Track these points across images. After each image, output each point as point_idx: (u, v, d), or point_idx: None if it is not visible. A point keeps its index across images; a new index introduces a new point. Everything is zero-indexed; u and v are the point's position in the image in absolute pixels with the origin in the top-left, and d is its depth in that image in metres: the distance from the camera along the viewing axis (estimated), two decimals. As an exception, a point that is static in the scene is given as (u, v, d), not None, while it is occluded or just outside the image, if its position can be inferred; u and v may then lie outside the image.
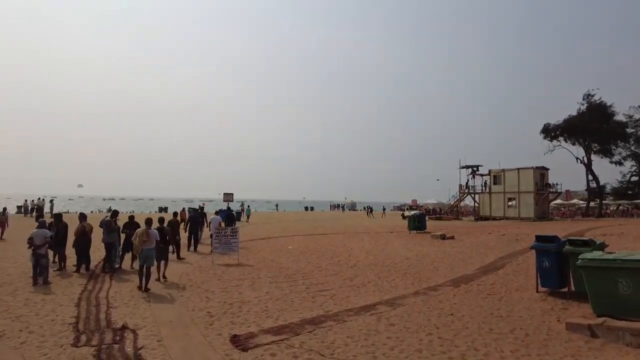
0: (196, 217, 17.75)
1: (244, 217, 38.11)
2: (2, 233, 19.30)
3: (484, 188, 43.53)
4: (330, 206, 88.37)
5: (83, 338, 6.34)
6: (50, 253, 11.37)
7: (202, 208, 22.84)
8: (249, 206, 43.10)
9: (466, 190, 46.19)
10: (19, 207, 37.13)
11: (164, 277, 10.72)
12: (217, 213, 19.15)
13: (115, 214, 12.17)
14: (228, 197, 37.02)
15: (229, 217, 20.11)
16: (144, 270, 9.58)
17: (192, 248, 16.32)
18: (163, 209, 56.98)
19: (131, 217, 12.77)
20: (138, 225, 11.88)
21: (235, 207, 41.12)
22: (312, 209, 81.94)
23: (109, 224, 12.20)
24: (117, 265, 11.93)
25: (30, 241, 10.13)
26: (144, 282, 9.48)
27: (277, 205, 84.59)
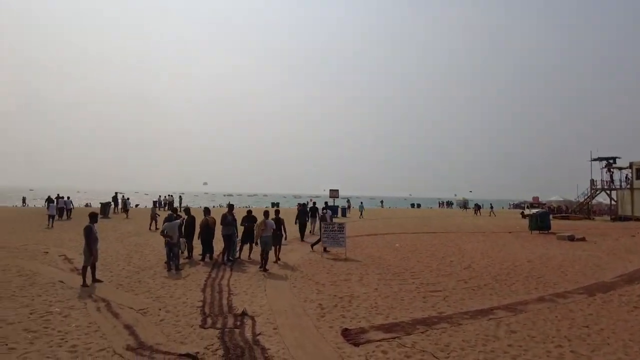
0: (303, 211, 19.72)
1: (349, 213, 38.60)
2: (155, 224, 22.24)
3: (624, 183, 37.71)
4: (439, 203, 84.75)
5: (209, 321, 6.97)
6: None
7: (314, 203, 23.78)
8: (362, 203, 43.34)
9: (601, 186, 40.50)
10: (154, 202, 42.98)
11: (279, 259, 12.84)
12: (325, 208, 20.12)
13: (231, 207, 13.12)
14: (334, 193, 37.80)
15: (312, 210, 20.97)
16: (264, 254, 11.60)
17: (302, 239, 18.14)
18: (275, 204, 60.57)
19: (249, 212, 13.66)
20: (255, 219, 12.83)
21: (341, 203, 41.86)
22: (419, 206, 79.64)
23: (225, 217, 12.93)
24: (236, 256, 12.89)
25: (163, 233, 11.53)
26: (264, 264, 11.50)
27: (382, 202, 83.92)
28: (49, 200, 30.40)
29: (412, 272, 11.38)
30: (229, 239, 12.60)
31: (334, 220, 19.90)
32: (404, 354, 5.61)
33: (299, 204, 24.40)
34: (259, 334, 6.36)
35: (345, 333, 6.45)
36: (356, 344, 5.98)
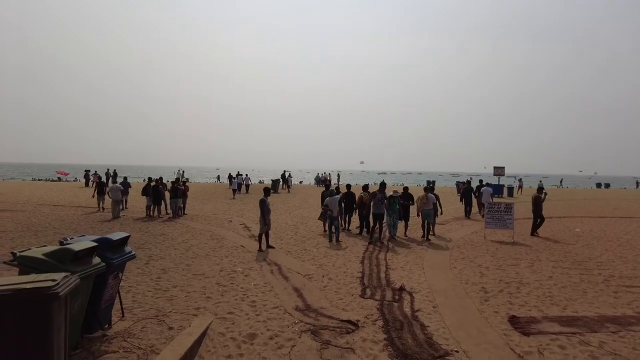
0: (468, 189, 19.46)
1: (519, 193, 35.03)
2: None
3: None
4: (638, 183, 69.73)
5: (368, 292, 7.19)
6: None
7: (469, 182, 22.32)
8: (541, 181, 38.94)
9: None
10: (316, 179, 46.99)
11: (434, 233, 13.19)
12: (486, 185, 18.94)
13: (382, 186, 13.05)
14: (499, 170, 34.58)
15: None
16: (426, 225, 12.76)
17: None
18: (430, 182, 59.01)
19: (405, 188, 13.89)
20: (411, 196, 12.91)
21: (504, 181, 38.17)
22: (607, 185, 67.25)
23: (374, 195, 12.71)
24: (393, 235, 12.76)
25: (325, 207, 12.33)
26: (426, 234, 12.68)
27: (561, 181, 73.43)
28: (230, 177, 35.92)
29: (599, 262, 9.69)
30: (379, 217, 12.38)
31: (496, 200, 18.40)
32: (589, 354, 4.83)
33: (458, 182, 23.21)
34: (418, 310, 6.28)
35: (513, 320, 5.88)
36: (526, 334, 5.40)
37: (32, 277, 3.56)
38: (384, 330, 5.47)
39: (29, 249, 4.38)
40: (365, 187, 14.27)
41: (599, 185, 68.45)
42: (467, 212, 18.72)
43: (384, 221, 12.67)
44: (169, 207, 17.72)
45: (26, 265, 4.10)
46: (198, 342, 4.75)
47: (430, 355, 4.78)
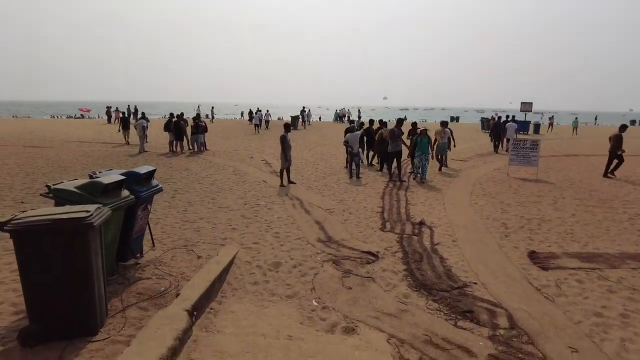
0: (498, 124, 20.21)
1: (550, 130, 33.94)
2: None
3: None
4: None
5: (388, 225, 7.32)
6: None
7: (499, 118, 22.01)
8: (576, 118, 37.42)
9: None
10: (335, 116, 46.72)
11: (446, 165, 13.88)
12: (513, 120, 18.77)
13: (399, 122, 12.56)
14: (526, 106, 33.26)
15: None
16: (440, 157, 13.48)
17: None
18: (454, 119, 57.68)
19: (414, 124, 13.40)
20: (424, 132, 12.38)
21: (535, 119, 36.90)
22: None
23: (392, 132, 12.06)
24: (423, 178, 11.73)
25: (346, 143, 12.27)
26: (440, 166, 13.36)
27: (596, 118, 70.26)
28: (250, 113, 35.85)
29: (625, 201, 9.53)
30: (396, 155, 11.73)
31: (521, 137, 17.96)
32: (607, 288, 4.90)
33: (483, 118, 22.64)
34: (437, 243, 6.40)
35: (533, 255, 5.95)
36: (544, 268, 5.48)
37: (67, 208, 3.72)
38: (404, 262, 5.63)
39: (62, 182, 4.54)
40: (385, 124, 14.06)
41: (633, 122, 65.52)
42: (496, 148, 19.28)
43: (402, 159, 12.27)
44: (190, 142, 17.93)
45: (60, 197, 4.27)
46: (226, 270, 5.00)
47: (448, 286, 4.93)
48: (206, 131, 18.24)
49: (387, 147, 12.89)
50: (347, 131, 13.96)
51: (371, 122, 14.93)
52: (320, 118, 55.15)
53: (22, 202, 8.57)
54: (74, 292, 3.42)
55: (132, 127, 20.22)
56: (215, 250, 5.78)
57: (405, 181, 11.51)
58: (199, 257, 5.50)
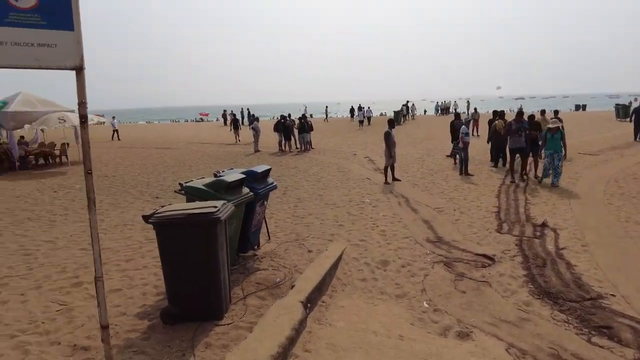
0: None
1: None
2: (477, 129, 21.48)
3: None
4: None
5: (505, 227, 6.79)
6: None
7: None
8: None
9: None
10: (436, 108, 44.87)
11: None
12: None
13: (519, 114, 11.12)
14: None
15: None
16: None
17: None
18: (581, 107, 51.34)
19: (531, 117, 11.15)
20: (556, 128, 10.75)
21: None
22: None
23: (509, 125, 10.67)
24: (554, 183, 9.84)
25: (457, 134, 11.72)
26: None
27: None
28: (352, 110, 36.45)
29: None
30: (517, 152, 10.30)
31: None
32: None
33: (618, 104, 19.73)
34: (563, 248, 5.75)
35: (691, 266, 5.02)
36: None
37: (198, 203, 4.16)
38: (524, 267, 5.17)
39: (191, 180, 5.09)
40: (501, 114, 12.91)
41: None
42: (637, 137, 16.78)
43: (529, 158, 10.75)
44: (297, 141, 18.73)
45: (190, 193, 4.79)
46: (335, 265, 5.12)
47: (578, 296, 4.41)
48: (312, 130, 18.88)
49: (501, 141, 11.95)
50: (453, 125, 13.31)
51: (498, 113, 13.31)
52: (425, 111, 53.31)
53: (157, 197, 9.81)
54: (204, 279, 3.82)
55: (243, 127, 22.04)
56: (324, 245, 5.95)
57: (526, 182, 10.07)
58: (309, 251, 5.72)
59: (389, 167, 10.72)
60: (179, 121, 63.68)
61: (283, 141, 18.52)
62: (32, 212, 8.85)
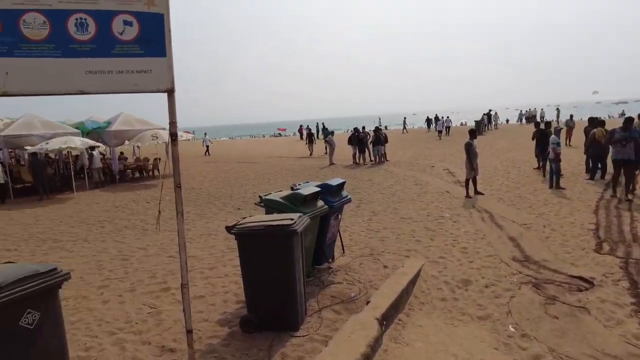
0: None
1: None
2: (570, 139, 20.08)
3: None
4: None
5: (606, 246, 6.08)
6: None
7: None
8: None
9: None
10: (519, 117, 42.04)
11: None
12: None
13: (628, 121, 9.66)
14: None
15: None
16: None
17: None
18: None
19: (628, 120, 9.45)
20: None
21: None
22: None
23: (612, 133, 9.48)
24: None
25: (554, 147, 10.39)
26: None
27: None
28: (428, 120, 35.52)
29: None
30: (623, 164, 8.91)
31: None
32: None
33: None
34: (682, 274, 4.99)
35: None
36: None
37: (275, 216, 4.29)
38: (632, 294, 4.56)
39: (270, 193, 5.26)
40: (600, 122, 11.61)
41: None
42: None
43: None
44: (372, 154, 18.61)
45: (269, 206, 4.96)
46: (412, 282, 4.94)
47: None
48: (386, 142, 18.67)
49: (600, 151, 10.82)
50: (535, 137, 12.42)
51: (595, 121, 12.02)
52: (507, 120, 50.16)
53: (239, 209, 10.30)
54: (280, 289, 3.89)
55: (318, 141, 22.51)
56: (400, 261, 5.78)
57: (631, 199, 8.63)
58: (385, 266, 5.59)
59: (470, 180, 10.19)
60: (255, 137, 66.87)
61: (357, 154, 18.52)
62: (128, 220, 9.77)
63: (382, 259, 5.93)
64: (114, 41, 2.90)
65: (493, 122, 35.14)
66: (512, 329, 4.02)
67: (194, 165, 21.38)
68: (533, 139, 13.25)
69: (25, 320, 2.73)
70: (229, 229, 4.02)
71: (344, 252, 6.18)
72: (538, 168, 12.94)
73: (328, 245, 5.57)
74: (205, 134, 31.06)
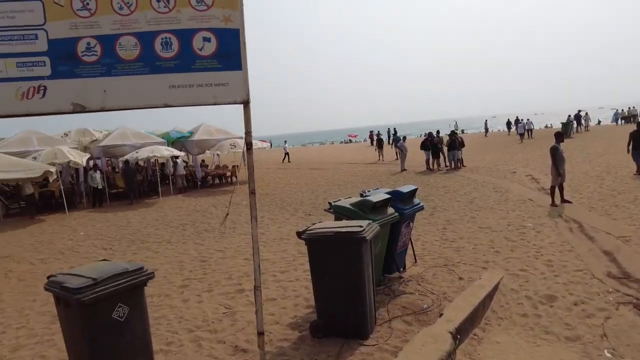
0: None
1: None
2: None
3: None
4: None
5: None
6: None
7: None
8: None
9: None
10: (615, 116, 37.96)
11: None
12: None
13: None
14: None
15: None
16: None
17: None
18: None
19: None
20: None
21: None
22: None
23: None
24: None
25: None
26: None
27: None
28: (509, 123, 33.47)
29: None
30: None
31: None
32: None
33: None
34: None
35: None
36: None
37: (344, 222, 4.29)
38: None
39: (339, 200, 5.29)
40: None
41: None
42: None
43: None
44: (447, 159, 17.94)
45: (338, 212, 4.97)
46: (490, 296, 4.65)
47: None
48: (463, 146, 17.88)
49: None
50: (633, 137, 11.13)
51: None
52: (599, 122, 45.45)
53: (309, 214, 10.47)
54: (349, 296, 3.88)
55: (386, 146, 22.32)
56: (477, 272, 5.48)
57: None
58: (460, 278, 5.33)
59: (556, 187, 9.38)
60: (324, 144, 67.79)
61: (431, 159, 17.96)
62: (208, 224, 10.37)
63: (457, 270, 5.66)
64: (194, 57, 3.12)
65: (583, 124, 32.11)
66: (607, 355, 3.61)
67: (269, 173, 22.18)
68: (630, 140, 11.92)
69: (116, 313, 3.00)
70: (299, 234, 4.10)
71: (415, 261, 6.00)
72: (639, 173, 11.59)
73: (399, 253, 5.44)
74: (285, 141, 31.96)
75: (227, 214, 4.28)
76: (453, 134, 18.77)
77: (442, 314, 4.09)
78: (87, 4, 2.96)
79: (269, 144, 28.12)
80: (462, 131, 42.41)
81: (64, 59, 2.97)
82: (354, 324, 3.92)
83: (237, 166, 19.58)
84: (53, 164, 13.01)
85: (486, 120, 40.77)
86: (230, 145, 17.98)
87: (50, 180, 13.29)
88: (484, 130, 39.14)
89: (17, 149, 14.57)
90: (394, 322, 4.22)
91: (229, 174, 19.78)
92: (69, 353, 3.23)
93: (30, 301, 5.75)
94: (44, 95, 2.97)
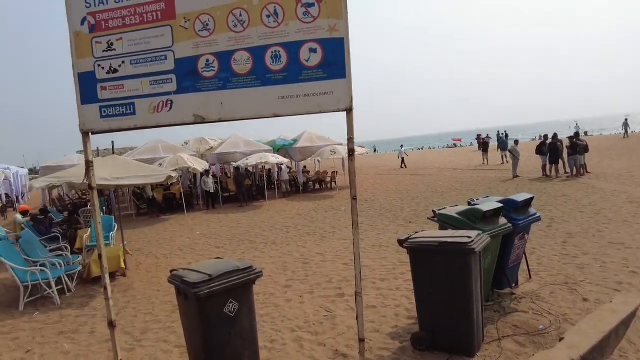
0: None
1: None
2: None
3: None
4: None
5: None
6: None
7: None
8: None
9: None
10: None
11: None
12: None
13: None
14: None
15: None
16: None
17: None
18: None
19: None
20: None
21: None
22: None
23: None
24: None
25: None
26: None
27: None
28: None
29: None
30: None
31: None
32: None
33: None
34: None
35: None
36: None
37: (450, 232, 4.07)
38: None
39: (444, 208, 5.04)
40: None
41: None
42: None
43: None
44: (567, 165, 16.09)
45: (443, 221, 4.74)
46: (624, 323, 4.01)
47: None
48: (587, 151, 15.88)
49: None
50: None
51: None
52: None
53: (410, 222, 10.18)
54: (455, 310, 3.66)
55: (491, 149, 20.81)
56: (606, 294, 4.79)
57: None
58: (584, 299, 4.71)
59: None
60: (422, 149, 65.44)
61: (548, 165, 16.26)
62: (309, 227, 10.70)
63: (580, 290, 5.01)
64: (301, 68, 3.24)
65: None
66: None
67: (367, 179, 22.15)
68: None
69: (228, 308, 3.23)
70: (401, 242, 4.00)
71: (530, 277, 5.46)
72: None
73: (511, 268, 5.00)
74: (401, 146, 30.85)
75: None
76: (575, 136, 16.76)
77: (562, 337, 3.64)
78: (207, 24, 3.26)
79: (372, 149, 27.85)
80: (585, 133, 37.64)
81: (188, 75, 3.31)
82: (460, 340, 3.69)
83: (337, 172, 19.93)
84: (175, 170, 14.63)
85: (626, 119, 35.17)
86: (331, 151, 18.40)
87: (171, 184, 14.93)
88: (623, 131, 33.79)
89: (147, 156, 16.71)
90: (504, 341, 3.88)
91: (328, 179, 20.24)
92: (187, 340, 3.57)
93: (155, 291, 6.49)
94: (171, 108, 3.34)
